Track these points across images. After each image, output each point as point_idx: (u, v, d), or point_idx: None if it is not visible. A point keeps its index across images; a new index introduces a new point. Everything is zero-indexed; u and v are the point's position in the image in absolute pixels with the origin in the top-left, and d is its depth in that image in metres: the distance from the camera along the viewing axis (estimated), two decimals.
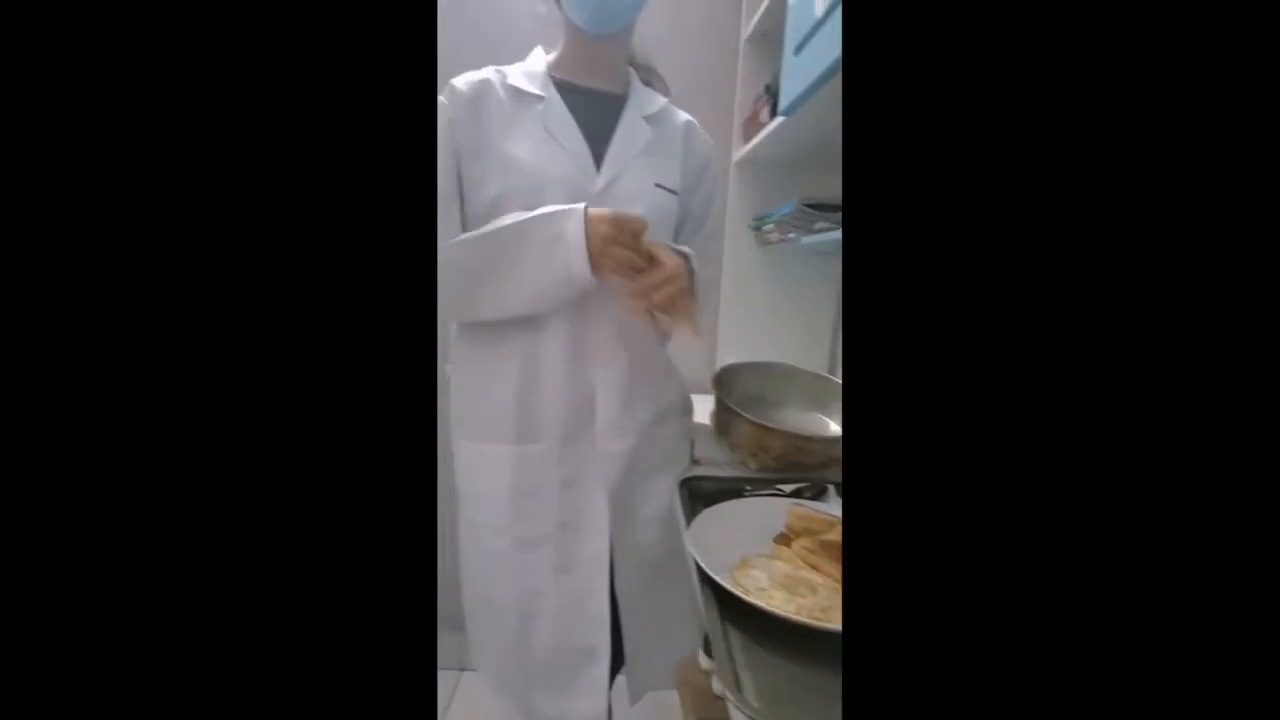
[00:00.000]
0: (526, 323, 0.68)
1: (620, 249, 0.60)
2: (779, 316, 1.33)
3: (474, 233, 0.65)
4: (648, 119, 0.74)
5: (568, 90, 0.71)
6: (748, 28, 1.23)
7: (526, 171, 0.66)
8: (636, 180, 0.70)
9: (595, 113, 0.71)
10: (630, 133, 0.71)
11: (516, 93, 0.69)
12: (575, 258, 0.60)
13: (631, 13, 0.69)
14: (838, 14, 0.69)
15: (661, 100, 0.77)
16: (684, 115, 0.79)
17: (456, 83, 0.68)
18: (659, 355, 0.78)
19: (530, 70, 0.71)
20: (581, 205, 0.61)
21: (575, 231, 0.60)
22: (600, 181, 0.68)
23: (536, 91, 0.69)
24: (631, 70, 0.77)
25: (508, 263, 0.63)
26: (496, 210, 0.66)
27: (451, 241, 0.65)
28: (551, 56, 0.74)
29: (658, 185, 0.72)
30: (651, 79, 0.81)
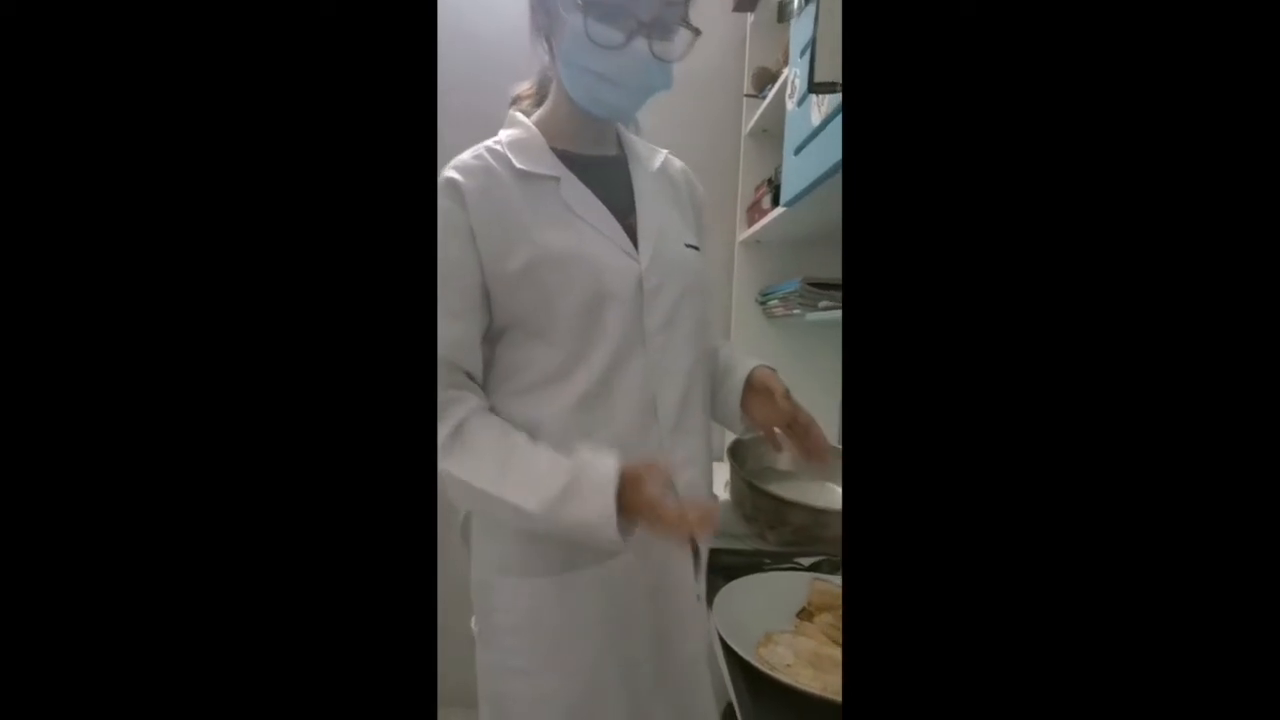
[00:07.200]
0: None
1: (649, 497, 0.54)
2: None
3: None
4: (654, 177, 0.72)
5: (573, 163, 0.66)
6: (748, 125, 1.35)
7: (579, 269, 0.61)
8: (672, 248, 0.67)
9: (608, 183, 0.67)
10: (649, 199, 0.69)
11: (526, 176, 0.63)
12: (607, 533, 0.54)
13: (643, 104, 0.67)
14: (835, 122, 0.77)
15: (661, 153, 0.75)
16: (677, 162, 0.78)
17: (455, 176, 0.61)
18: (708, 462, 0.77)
19: (527, 144, 0.65)
20: (612, 477, 0.54)
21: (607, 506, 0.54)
22: (643, 259, 0.64)
23: (549, 172, 0.64)
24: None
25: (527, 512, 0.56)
26: (543, 287, 0.62)
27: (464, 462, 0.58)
28: (536, 118, 0.69)
29: (687, 245, 0.70)
30: (628, 121, 0.77)
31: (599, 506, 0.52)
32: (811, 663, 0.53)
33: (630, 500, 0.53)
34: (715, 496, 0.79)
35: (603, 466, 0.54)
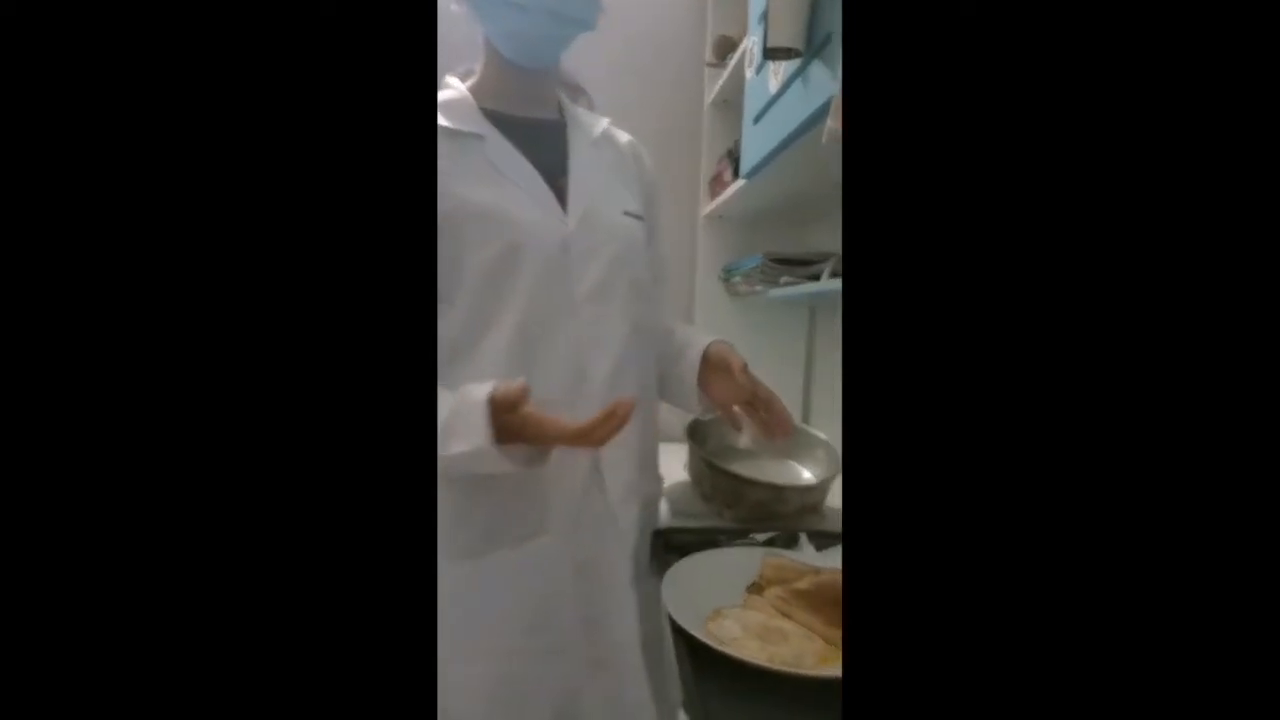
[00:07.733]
0: None
1: (524, 415, 0.53)
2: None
3: None
4: (595, 143, 0.69)
5: (503, 123, 0.64)
6: (710, 94, 1.32)
7: (493, 222, 0.59)
8: (606, 213, 0.66)
9: (541, 145, 0.65)
10: (584, 162, 0.66)
11: (450, 134, 0.61)
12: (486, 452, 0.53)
13: (565, 45, 0.65)
14: (792, 89, 0.75)
15: (603, 121, 0.73)
16: (624, 134, 0.76)
17: None
18: (653, 447, 0.75)
19: (454, 104, 0.63)
20: (481, 404, 0.53)
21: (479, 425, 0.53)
22: (571, 221, 0.62)
23: (473, 130, 0.62)
24: (560, 90, 0.72)
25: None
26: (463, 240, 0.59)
27: None
28: (470, 83, 0.67)
29: (626, 213, 0.68)
30: (578, 96, 0.76)
31: (475, 436, 0.52)
32: (759, 635, 0.53)
33: (509, 423, 0.53)
34: (660, 478, 0.78)
35: (471, 395, 0.53)
